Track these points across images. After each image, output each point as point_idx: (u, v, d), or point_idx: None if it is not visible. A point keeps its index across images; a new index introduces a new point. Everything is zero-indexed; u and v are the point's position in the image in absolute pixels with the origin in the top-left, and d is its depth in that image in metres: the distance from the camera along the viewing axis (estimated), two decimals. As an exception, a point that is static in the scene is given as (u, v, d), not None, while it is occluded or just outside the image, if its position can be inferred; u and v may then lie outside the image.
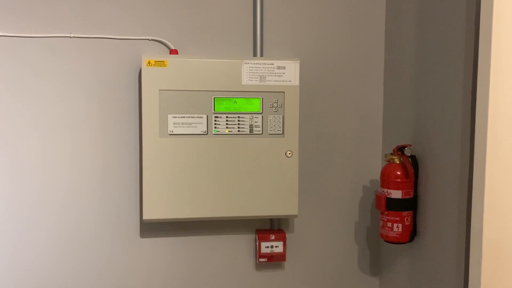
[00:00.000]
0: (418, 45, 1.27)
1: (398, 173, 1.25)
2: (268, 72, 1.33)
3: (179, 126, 1.30)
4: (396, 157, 1.27)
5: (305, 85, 1.42)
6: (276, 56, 1.42)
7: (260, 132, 1.34)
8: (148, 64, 1.26)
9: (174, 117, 1.29)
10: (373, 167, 1.48)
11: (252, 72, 1.32)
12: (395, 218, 1.25)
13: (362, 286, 1.53)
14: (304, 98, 1.42)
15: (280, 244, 1.43)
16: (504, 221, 0.94)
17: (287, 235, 1.45)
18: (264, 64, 1.32)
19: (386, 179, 1.27)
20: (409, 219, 1.25)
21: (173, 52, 1.34)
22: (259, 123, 1.34)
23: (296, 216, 1.38)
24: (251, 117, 1.33)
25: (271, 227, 1.47)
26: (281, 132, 1.35)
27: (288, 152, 1.35)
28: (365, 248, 1.52)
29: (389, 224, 1.26)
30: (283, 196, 1.36)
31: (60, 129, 1.32)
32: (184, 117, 1.30)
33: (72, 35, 1.31)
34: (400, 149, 1.27)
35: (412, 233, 1.27)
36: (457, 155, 1.08)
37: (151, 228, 1.40)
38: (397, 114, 1.40)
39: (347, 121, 1.47)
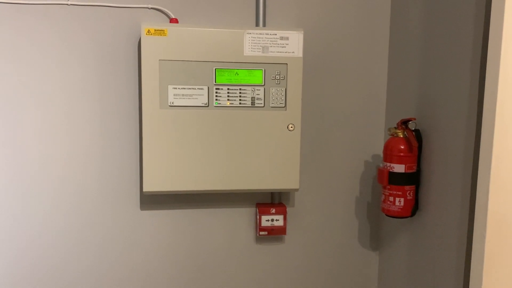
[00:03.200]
0: (425, 16, 1.23)
1: (402, 147, 1.23)
2: (271, 42, 1.29)
3: (180, 98, 1.27)
4: (400, 131, 1.25)
5: (308, 56, 1.39)
6: (279, 26, 1.38)
7: (262, 105, 1.32)
8: (147, 33, 1.23)
9: (175, 88, 1.27)
10: (376, 142, 1.47)
11: (254, 43, 1.29)
12: (397, 193, 1.24)
13: (361, 260, 1.53)
14: (307, 71, 1.40)
15: (280, 217, 1.42)
16: (510, 194, 0.92)
17: (288, 209, 1.45)
18: (266, 34, 1.29)
19: (389, 153, 1.25)
20: (411, 193, 1.24)
21: (173, 21, 1.30)
22: (261, 96, 1.31)
23: (297, 190, 1.37)
24: (253, 89, 1.31)
25: (272, 200, 1.46)
26: (283, 105, 1.32)
27: (290, 125, 1.33)
28: (366, 223, 1.52)
29: (391, 199, 1.25)
30: (284, 169, 1.34)
31: (58, 99, 1.30)
32: (184, 88, 1.27)
33: (69, 2, 1.27)
34: (404, 123, 1.25)
35: (414, 208, 1.26)
36: (463, 129, 1.06)
37: (152, 201, 1.39)
38: (401, 87, 1.37)
39: (350, 94, 1.44)
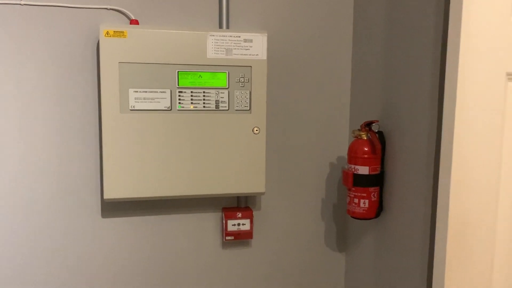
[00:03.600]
0: (387, 19, 1.25)
1: (365, 149, 1.24)
2: (235, 45, 1.28)
3: (141, 101, 1.24)
4: (363, 133, 1.26)
5: (273, 59, 1.39)
6: (243, 29, 1.36)
7: (227, 108, 1.30)
8: (106, 35, 1.19)
9: (136, 91, 1.23)
10: (341, 144, 1.48)
11: (218, 45, 1.27)
12: (362, 194, 1.25)
13: (328, 262, 1.54)
14: (272, 73, 1.39)
15: (247, 221, 1.41)
16: (470, 196, 0.94)
17: (254, 213, 1.43)
18: (230, 36, 1.27)
19: (353, 155, 1.26)
20: (375, 195, 1.26)
21: (134, 22, 1.26)
22: (226, 99, 1.29)
23: (263, 193, 1.36)
24: (217, 93, 1.29)
25: (238, 204, 1.45)
26: (248, 108, 1.31)
27: (256, 128, 1.32)
28: (332, 225, 1.52)
29: (356, 200, 1.26)
30: (250, 173, 1.33)
31: (12, 104, 1.23)
32: (146, 91, 1.24)
33: (22, 2, 1.21)
34: (368, 125, 1.26)
35: (378, 209, 1.27)
36: (424, 131, 1.08)
37: (113, 208, 1.34)
38: (365, 90, 1.39)
39: (315, 97, 1.45)
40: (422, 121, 1.09)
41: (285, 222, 1.49)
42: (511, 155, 0.97)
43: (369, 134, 1.25)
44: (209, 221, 1.43)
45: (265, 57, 1.30)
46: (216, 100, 1.29)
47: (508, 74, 0.93)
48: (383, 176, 1.27)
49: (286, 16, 1.40)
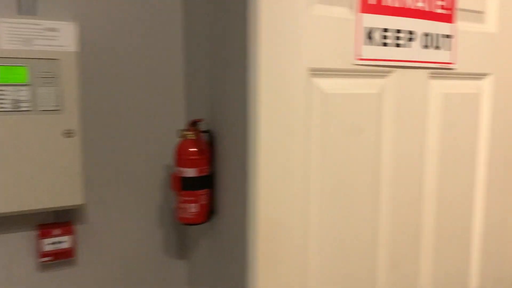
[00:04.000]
0: (211, 12, 1.18)
1: (192, 149, 1.16)
2: (36, 34, 1.09)
3: None
4: (190, 133, 1.18)
5: (90, 52, 1.22)
6: (52, 16, 1.18)
7: (29, 108, 1.10)
8: None
9: None
10: (173, 145, 1.38)
11: (13, 34, 1.07)
12: (190, 198, 1.16)
13: (169, 271, 1.43)
14: (89, 68, 1.23)
15: (67, 238, 1.23)
16: (280, 197, 0.91)
17: (79, 227, 1.26)
18: (28, 24, 1.08)
19: (180, 157, 1.17)
20: (205, 197, 1.18)
21: None
22: (27, 97, 1.10)
23: (82, 205, 1.19)
24: (16, 90, 1.08)
25: (57, 220, 1.25)
26: (57, 108, 1.13)
27: (67, 131, 1.14)
28: (169, 232, 1.42)
29: (185, 205, 1.17)
30: (64, 183, 1.15)
31: None
32: None
33: None
34: (193, 124, 1.18)
35: (209, 212, 1.20)
36: (241, 129, 1.03)
37: None
38: (195, 87, 1.30)
39: (141, 94, 1.32)
40: (240, 118, 1.04)
41: (117, 234, 1.34)
42: (318, 153, 0.97)
43: (196, 134, 1.17)
44: (22, 241, 1.22)
45: (75, 49, 1.13)
46: (14, 99, 1.08)
47: (310, 69, 0.93)
48: (213, 177, 1.21)
49: (107, 2, 1.24)
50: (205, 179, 1.18)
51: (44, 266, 1.25)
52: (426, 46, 1.12)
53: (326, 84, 0.96)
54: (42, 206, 1.14)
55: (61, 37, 1.11)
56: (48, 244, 1.21)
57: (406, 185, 1.14)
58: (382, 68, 1.06)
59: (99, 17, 1.24)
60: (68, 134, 1.14)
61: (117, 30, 1.27)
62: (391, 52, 1.06)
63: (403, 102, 1.11)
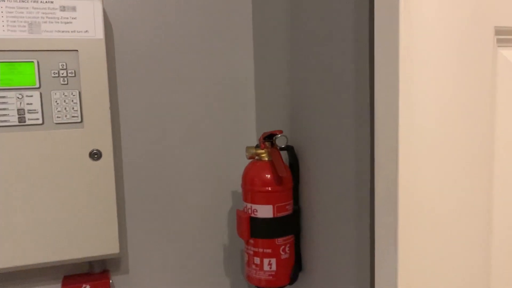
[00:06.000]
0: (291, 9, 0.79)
1: (267, 176, 0.76)
2: (45, 16, 0.77)
3: None
4: (263, 151, 0.79)
5: (122, 39, 0.89)
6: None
7: (40, 121, 0.79)
8: None
9: None
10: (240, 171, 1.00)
11: (14, 17, 0.76)
12: (265, 250, 0.77)
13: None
14: (122, 62, 0.89)
15: (99, 296, 0.90)
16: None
17: (116, 278, 0.93)
18: (35, 2, 0.76)
19: (249, 188, 0.78)
20: (287, 248, 0.78)
21: None
22: (37, 106, 0.78)
23: (117, 254, 0.85)
24: (20, 96, 0.77)
25: (90, 269, 0.93)
26: (79, 120, 0.80)
27: (94, 152, 0.81)
28: None
29: (257, 260, 0.78)
30: (94, 226, 0.82)
31: None
32: None
33: None
34: (268, 138, 0.78)
35: (294, 270, 0.80)
36: (352, 143, 0.62)
37: None
38: (270, 93, 0.91)
39: (197, 97, 0.96)
40: (348, 128, 0.62)
41: (167, 288, 0.99)
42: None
43: (271, 153, 0.78)
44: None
45: (101, 36, 0.80)
46: (19, 109, 0.77)
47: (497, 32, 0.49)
48: (298, 217, 0.80)
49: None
50: (287, 220, 0.78)
51: (74, 332, 0.93)
52: None
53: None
54: (60, 258, 0.82)
55: (79, 19, 0.78)
56: (75, 305, 0.88)
57: None
58: None
59: (137, -7, 0.90)
60: (96, 156, 0.81)
61: (163, 7, 0.92)
62: None
63: None
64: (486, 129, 0.50)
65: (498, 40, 0.50)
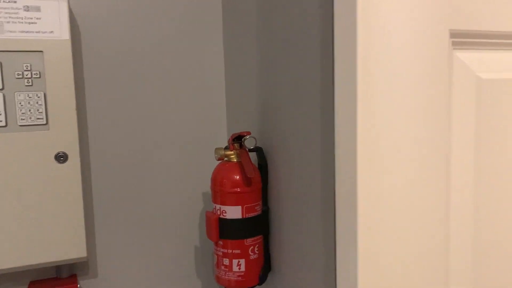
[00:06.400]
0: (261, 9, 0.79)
1: (236, 177, 0.77)
2: (8, 16, 0.76)
3: None
4: (232, 152, 0.79)
5: (89, 39, 0.88)
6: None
7: (3, 124, 0.77)
8: None
9: None
10: (209, 172, 1.00)
11: (-24, 17, 0.74)
12: (234, 251, 0.77)
13: None
14: (88, 63, 0.88)
15: (67, 300, 0.88)
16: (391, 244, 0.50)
17: (85, 282, 0.91)
18: (-4, 1, 0.75)
19: (218, 190, 0.78)
20: (256, 249, 0.79)
21: None
22: (0, 108, 0.77)
23: (84, 258, 0.84)
24: (-17, 97, 0.76)
25: (57, 274, 0.91)
26: (44, 122, 0.79)
27: (60, 154, 0.80)
28: None
29: (226, 261, 0.78)
30: (61, 231, 0.81)
31: None
32: None
33: None
34: (237, 139, 0.79)
35: (263, 271, 0.80)
36: (318, 146, 0.63)
37: None
38: (241, 94, 0.92)
39: (164, 97, 0.96)
40: (315, 130, 0.63)
41: (137, 292, 0.98)
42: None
43: (240, 154, 0.78)
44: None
45: (67, 36, 0.79)
46: (-19, 111, 0.76)
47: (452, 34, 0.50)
48: (267, 217, 0.81)
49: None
50: (256, 221, 0.78)
51: (41, 338, 0.91)
52: None
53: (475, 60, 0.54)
54: (26, 263, 0.81)
55: (44, 19, 0.77)
56: (42, 311, 0.87)
57: None
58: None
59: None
60: (62, 158, 0.79)
61: (131, 7, 0.91)
62: None
63: None
64: (442, 129, 0.51)
65: (454, 43, 0.52)
